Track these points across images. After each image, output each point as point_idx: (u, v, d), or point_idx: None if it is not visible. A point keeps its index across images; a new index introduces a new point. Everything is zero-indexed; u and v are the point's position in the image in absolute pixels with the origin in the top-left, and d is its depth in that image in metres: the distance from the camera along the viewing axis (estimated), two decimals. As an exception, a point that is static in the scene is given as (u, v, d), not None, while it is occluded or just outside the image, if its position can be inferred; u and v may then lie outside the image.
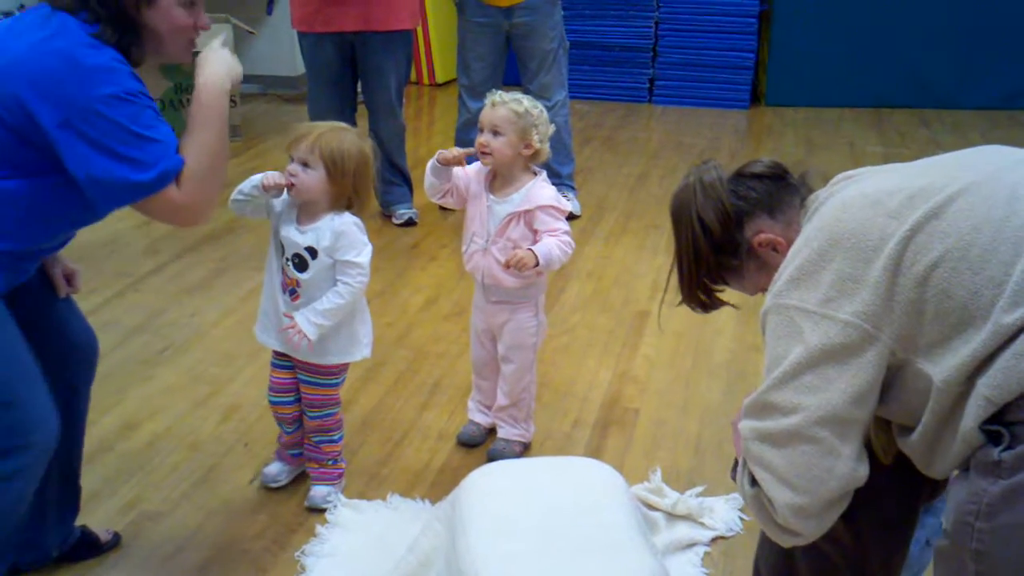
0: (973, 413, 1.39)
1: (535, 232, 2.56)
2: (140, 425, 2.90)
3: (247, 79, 6.84)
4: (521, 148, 2.54)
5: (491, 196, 2.59)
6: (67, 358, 2.13)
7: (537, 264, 2.50)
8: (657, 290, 3.83)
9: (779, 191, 1.71)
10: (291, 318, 2.37)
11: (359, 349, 2.48)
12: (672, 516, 2.47)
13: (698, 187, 1.72)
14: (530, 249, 2.51)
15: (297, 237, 2.37)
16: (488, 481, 2.12)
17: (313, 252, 2.36)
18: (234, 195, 2.40)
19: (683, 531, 2.41)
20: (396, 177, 4.57)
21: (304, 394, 2.51)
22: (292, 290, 2.41)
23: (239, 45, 6.14)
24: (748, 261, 1.72)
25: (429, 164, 2.61)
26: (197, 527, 2.46)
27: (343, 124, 2.44)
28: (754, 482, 1.55)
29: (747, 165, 1.77)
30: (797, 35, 6.61)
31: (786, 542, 1.57)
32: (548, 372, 3.19)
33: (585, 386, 3.14)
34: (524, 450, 2.78)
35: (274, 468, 2.63)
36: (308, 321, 2.34)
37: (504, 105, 2.53)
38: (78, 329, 2.17)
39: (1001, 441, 1.37)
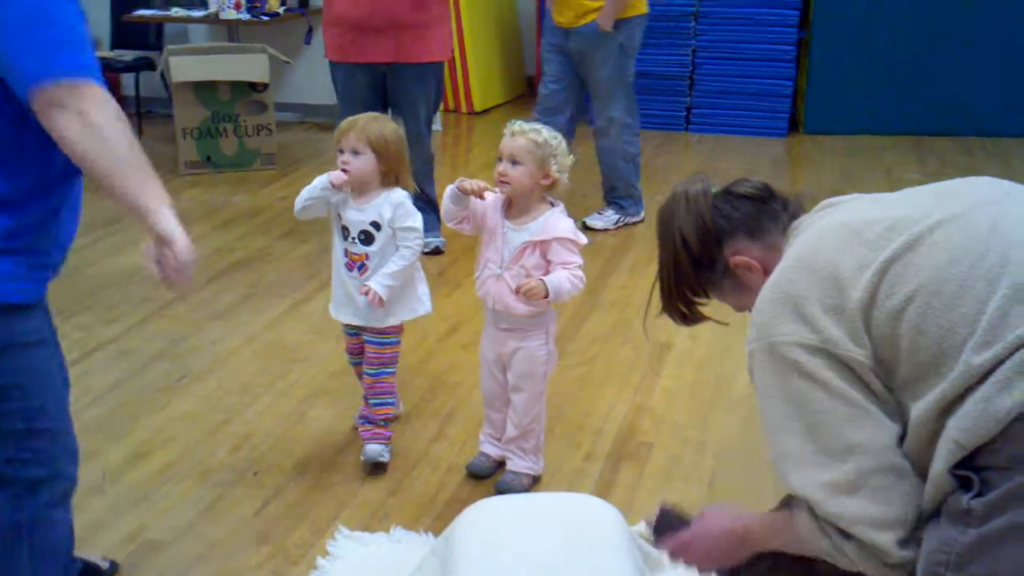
0: (943, 456, 1.34)
1: (549, 263, 2.55)
2: (151, 453, 2.91)
3: (285, 107, 6.95)
4: (539, 178, 2.53)
5: (507, 223, 2.58)
6: None
7: (547, 295, 2.49)
8: (681, 321, 3.78)
9: (762, 214, 1.68)
10: (367, 287, 2.67)
11: (421, 306, 2.81)
12: (679, 555, 2.40)
13: (683, 201, 1.71)
14: (541, 279, 2.50)
15: (360, 216, 2.71)
16: (483, 517, 2.08)
17: (377, 225, 2.70)
18: (299, 204, 2.76)
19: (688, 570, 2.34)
20: (425, 205, 4.54)
21: (366, 353, 2.81)
22: (361, 264, 2.73)
23: (276, 74, 6.20)
24: (724, 279, 1.70)
25: (448, 190, 2.61)
26: (198, 557, 2.45)
27: (377, 113, 2.83)
28: (845, 535, 1.46)
29: (735, 184, 1.74)
30: (836, 62, 6.53)
31: None
32: (563, 404, 3.15)
33: (600, 418, 3.09)
34: (533, 483, 2.73)
35: (376, 448, 2.86)
36: (380, 285, 2.66)
37: (523, 135, 2.53)
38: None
39: (971, 487, 1.31)
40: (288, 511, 2.63)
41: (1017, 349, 1.31)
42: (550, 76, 4.80)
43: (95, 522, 2.58)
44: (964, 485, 1.34)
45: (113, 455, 2.89)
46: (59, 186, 1.87)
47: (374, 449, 2.81)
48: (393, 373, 2.85)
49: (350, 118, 2.75)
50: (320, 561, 2.41)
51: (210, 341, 3.64)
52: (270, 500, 2.68)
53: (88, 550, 2.39)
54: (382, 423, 2.84)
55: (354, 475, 2.80)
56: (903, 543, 1.43)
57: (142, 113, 6.96)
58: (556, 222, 2.55)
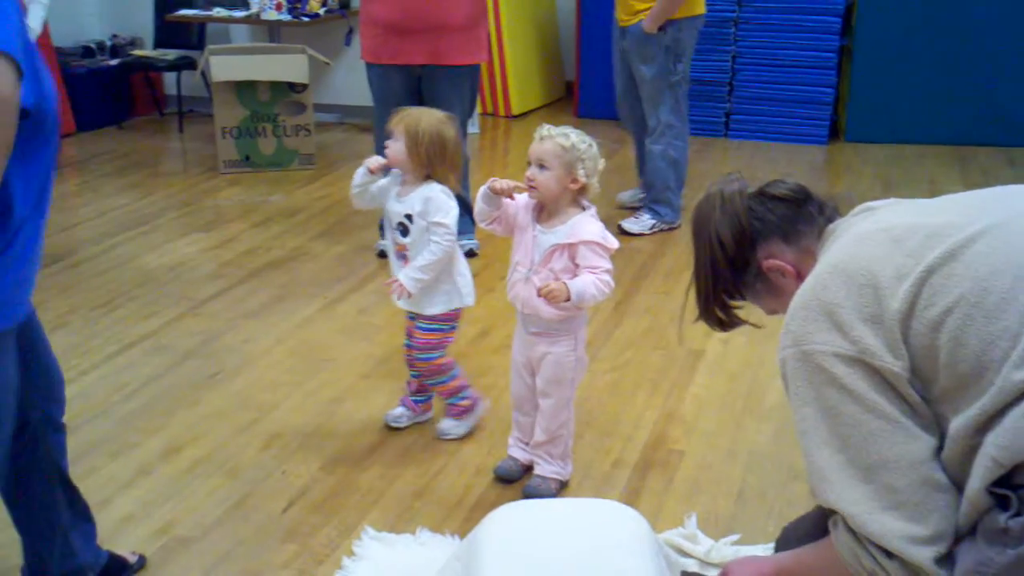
0: (980, 474, 1.31)
1: (577, 266, 2.53)
2: (183, 449, 2.93)
3: (324, 108, 6.99)
4: (567, 182, 2.51)
5: (538, 226, 2.58)
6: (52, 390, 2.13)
7: (569, 299, 2.48)
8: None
9: (797, 217, 1.66)
10: (395, 279, 2.80)
11: (460, 298, 2.86)
12: (705, 563, 2.39)
13: (718, 200, 1.68)
14: (563, 282, 2.48)
15: (398, 207, 2.81)
16: (507, 522, 2.07)
17: (411, 218, 2.78)
18: (352, 192, 2.87)
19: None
20: (459, 207, 4.56)
21: (415, 338, 2.91)
22: (402, 255, 2.84)
23: (315, 75, 6.24)
24: (757, 282, 1.67)
25: (481, 190, 2.61)
26: (225, 554, 2.46)
27: (433, 110, 2.88)
28: (888, 554, 1.44)
29: (770, 185, 1.72)
30: (878, 70, 6.45)
31: None
32: (593, 409, 3.14)
33: (630, 425, 3.08)
34: (561, 488, 2.72)
35: (397, 411, 3.05)
36: (408, 278, 2.76)
37: (551, 139, 2.51)
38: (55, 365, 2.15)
39: (1009, 506, 1.28)
40: (315, 510, 2.64)
41: None
42: (616, 75, 4.91)
43: (127, 516, 2.60)
44: (1001, 503, 1.31)
45: (147, 449, 2.92)
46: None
47: (444, 425, 2.99)
48: (437, 357, 2.92)
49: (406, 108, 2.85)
50: (345, 561, 2.42)
51: (243, 339, 3.67)
52: (297, 499, 2.69)
53: (119, 544, 2.41)
54: (453, 399, 2.97)
55: (382, 476, 2.80)
56: (940, 561, 1.41)
57: (183, 112, 7.03)
58: (585, 225, 2.53)
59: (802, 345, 1.49)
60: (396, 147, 2.78)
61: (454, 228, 2.77)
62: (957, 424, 1.36)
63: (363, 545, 2.47)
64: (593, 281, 2.49)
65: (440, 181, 2.80)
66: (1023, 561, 1.28)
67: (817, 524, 1.70)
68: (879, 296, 1.42)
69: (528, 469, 2.79)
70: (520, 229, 2.61)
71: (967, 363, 1.34)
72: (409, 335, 2.96)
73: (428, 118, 2.78)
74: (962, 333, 1.34)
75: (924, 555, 1.40)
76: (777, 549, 1.99)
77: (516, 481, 2.78)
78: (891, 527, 1.41)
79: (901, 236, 1.45)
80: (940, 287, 1.37)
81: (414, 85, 4.30)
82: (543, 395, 2.67)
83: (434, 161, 2.77)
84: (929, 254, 1.40)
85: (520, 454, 2.80)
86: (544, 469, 2.71)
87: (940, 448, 1.42)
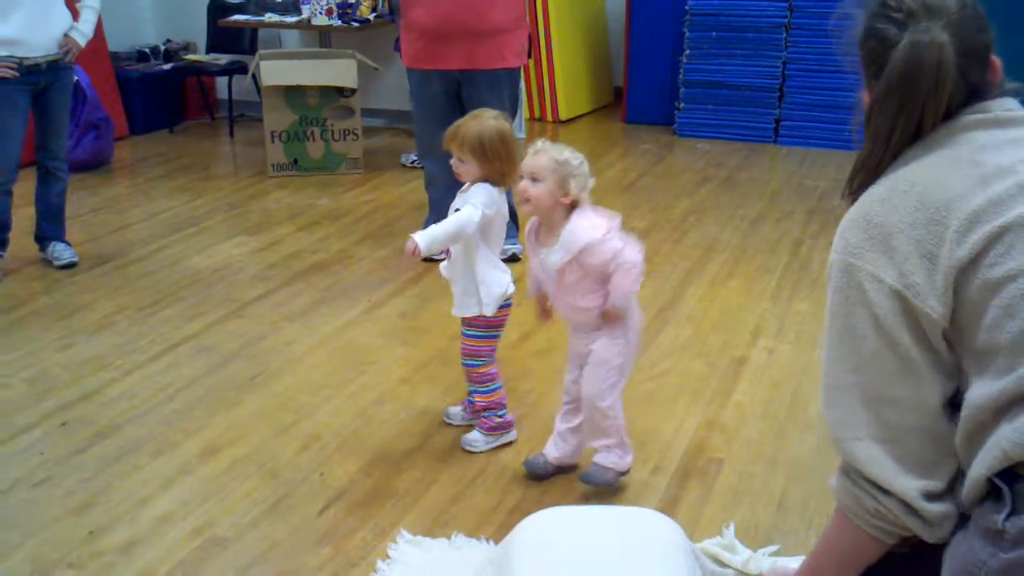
0: (987, 462, 1.28)
1: (604, 270, 2.54)
2: (222, 449, 2.95)
3: (372, 113, 7.03)
4: (560, 196, 2.54)
5: (541, 249, 2.62)
6: None
7: (620, 315, 2.57)
8: (759, 335, 3.71)
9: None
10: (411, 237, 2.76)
11: (477, 306, 2.83)
12: (743, 574, 2.35)
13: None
14: (608, 309, 2.56)
15: (456, 204, 2.83)
16: (541, 528, 2.06)
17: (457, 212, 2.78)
18: None
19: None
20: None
21: (461, 343, 2.92)
22: (445, 252, 2.85)
23: (364, 80, 6.27)
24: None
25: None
26: (260, 555, 2.47)
27: (479, 112, 2.85)
28: (885, 491, 1.42)
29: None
30: (933, 76, 6.35)
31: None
32: (633, 415, 3.08)
33: (670, 432, 3.04)
34: (619, 477, 2.70)
35: (454, 408, 3.11)
36: (422, 236, 2.73)
37: (545, 153, 2.56)
38: None
39: (1001, 500, 1.25)
40: (351, 513, 2.64)
41: None
42: None
43: (165, 515, 2.62)
44: (995, 495, 1.27)
45: (187, 449, 2.94)
46: None
47: (468, 437, 2.96)
48: (478, 365, 2.90)
49: (456, 122, 2.82)
50: (380, 564, 2.41)
51: (285, 342, 3.69)
52: (334, 501, 2.69)
53: (157, 544, 2.43)
54: (485, 414, 2.93)
55: (419, 480, 2.80)
56: (930, 497, 1.39)
57: (234, 116, 7.11)
58: (576, 229, 2.52)
59: (849, 257, 1.43)
60: (468, 169, 2.78)
61: (472, 214, 2.73)
62: (977, 393, 1.31)
63: (398, 548, 2.47)
64: (617, 283, 2.51)
65: (509, 182, 2.79)
66: (1012, 567, 1.25)
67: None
68: (944, 237, 1.34)
69: (558, 471, 2.78)
70: (532, 257, 2.68)
71: (1009, 335, 1.28)
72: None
73: (482, 125, 2.76)
74: (1017, 304, 1.28)
75: (910, 486, 1.38)
76: None
77: (543, 479, 2.78)
78: (878, 458, 1.40)
79: (991, 177, 1.35)
80: (1011, 248, 1.29)
81: (453, 90, 4.32)
82: (588, 381, 2.64)
83: (504, 165, 2.77)
84: (1014, 209, 1.31)
85: (553, 452, 2.79)
86: (603, 458, 2.69)
87: (953, 398, 1.38)
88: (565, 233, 2.53)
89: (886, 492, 1.41)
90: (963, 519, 1.38)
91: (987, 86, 1.47)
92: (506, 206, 2.89)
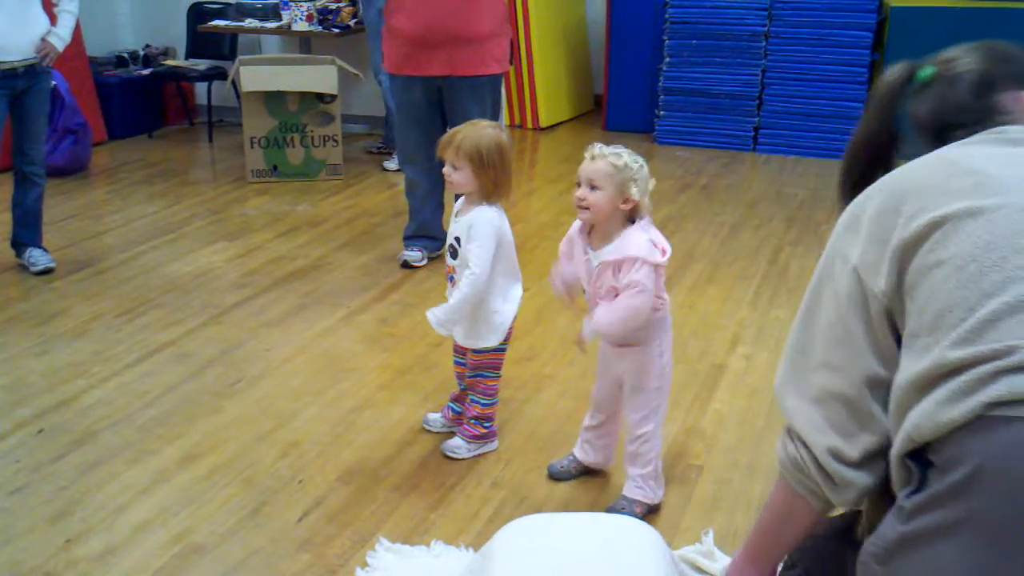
0: (900, 441, 1.34)
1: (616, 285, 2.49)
2: (201, 456, 2.93)
3: (352, 119, 7.02)
4: (619, 202, 2.44)
5: (590, 248, 2.53)
6: None
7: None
8: (738, 343, 3.72)
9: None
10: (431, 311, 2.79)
11: (487, 338, 2.83)
12: (721, 581, 2.36)
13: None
14: (584, 337, 2.54)
15: (453, 227, 2.80)
16: (520, 535, 2.06)
17: (459, 241, 2.77)
18: None
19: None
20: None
21: (468, 357, 2.91)
22: (451, 277, 2.83)
23: (345, 86, 6.27)
24: None
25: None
26: (239, 563, 2.46)
27: (477, 122, 2.83)
28: (804, 444, 1.52)
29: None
30: (910, 85, 6.40)
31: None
32: (613, 423, 3.11)
33: (649, 440, 3.05)
34: (647, 512, 2.64)
35: (433, 415, 3.09)
36: (433, 314, 2.77)
37: (603, 158, 2.43)
38: None
39: (910, 481, 1.31)
40: (330, 520, 2.63)
41: (986, 360, 1.26)
42: None
43: (143, 523, 2.61)
44: (906, 474, 1.34)
45: (165, 456, 2.93)
46: None
47: (450, 444, 2.94)
48: (490, 377, 2.92)
49: (453, 130, 2.81)
50: (359, 572, 2.41)
51: (264, 348, 3.68)
52: (313, 508, 2.68)
53: (133, 551, 2.42)
54: (472, 421, 2.92)
55: (398, 487, 2.79)
56: (839, 458, 1.46)
57: (213, 122, 7.09)
58: (633, 239, 2.44)
59: (834, 239, 1.56)
60: (461, 176, 2.74)
61: (479, 277, 2.72)
62: (901, 376, 1.37)
63: (377, 556, 2.46)
64: (608, 310, 2.46)
65: (502, 195, 2.77)
66: (906, 540, 1.29)
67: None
68: (896, 223, 1.44)
69: (588, 471, 2.82)
70: (576, 256, 2.58)
71: (929, 318, 1.35)
72: (457, 351, 2.97)
73: (480, 133, 2.73)
74: (938, 288, 1.35)
75: (822, 442, 1.47)
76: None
77: (564, 480, 2.81)
78: (807, 413, 1.50)
79: (956, 174, 1.43)
80: (947, 237, 1.37)
81: (435, 97, 4.33)
82: (628, 405, 2.63)
83: (499, 176, 2.74)
84: (962, 202, 1.38)
85: (581, 454, 2.81)
86: (632, 491, 2.65)
87: (887, 385, 1.45)
88: (623, 237, 2.45)
89: (805, 445, 1.51)
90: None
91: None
92: (509, 232, 2.81)
